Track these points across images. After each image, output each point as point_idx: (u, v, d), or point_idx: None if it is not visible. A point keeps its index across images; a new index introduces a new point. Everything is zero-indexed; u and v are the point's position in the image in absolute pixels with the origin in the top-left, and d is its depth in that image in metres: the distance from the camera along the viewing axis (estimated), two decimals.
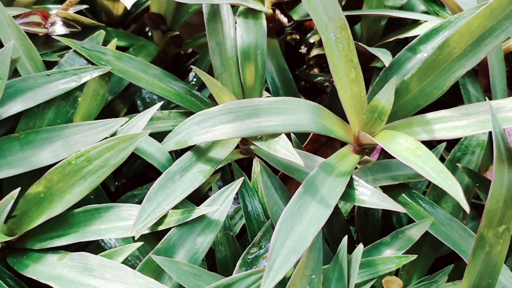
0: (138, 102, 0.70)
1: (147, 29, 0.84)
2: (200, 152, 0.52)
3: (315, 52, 0.93)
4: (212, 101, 0.63)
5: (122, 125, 0.53)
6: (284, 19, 0.68)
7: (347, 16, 0.51)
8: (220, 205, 0.46)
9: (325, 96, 0.80)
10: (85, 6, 0.67)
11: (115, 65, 0.57)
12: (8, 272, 0.52)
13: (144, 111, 0.52)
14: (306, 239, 0.40)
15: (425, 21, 0.67)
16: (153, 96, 0.71)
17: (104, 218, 0.49)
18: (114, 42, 0.60)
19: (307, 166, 0.52)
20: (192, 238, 0.45)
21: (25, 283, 0.51)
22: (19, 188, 0.42)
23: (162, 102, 0.53)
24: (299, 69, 0.90)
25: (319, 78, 0.85)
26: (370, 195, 0.47)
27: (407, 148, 0.46)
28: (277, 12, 0.70)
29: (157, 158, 0.53)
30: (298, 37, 0.92)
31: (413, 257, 0.47)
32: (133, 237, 0.47)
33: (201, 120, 0.51)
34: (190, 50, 0.86)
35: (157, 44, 0.76)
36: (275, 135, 0.48)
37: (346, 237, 0.44)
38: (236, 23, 0.61)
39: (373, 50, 0.59)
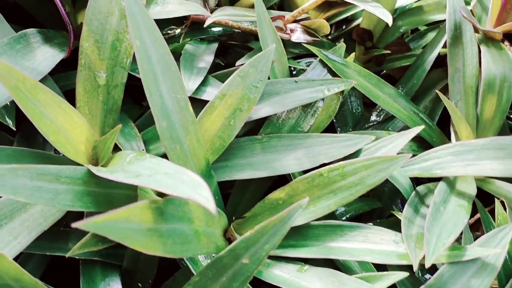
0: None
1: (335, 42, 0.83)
2: (450, 184, 0.49)
3: None
4: (438, 128, 0.60)
5: (368, 143, 0.51)
6: None
7: None
8: (495, 248, 0.43)
9: None
10: (306, 15, 0.67)
11: (357, 80, 0.56)
12: None
13: (399, 133, 0.50)
14: None
15: None
16: (353, 115, 0.69)
17: (349, 237, 0.47)
18: (353, 56, 0.59)
19: None
20: (465, 279, 0.42)
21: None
22: (307, 198, 0.41)
23: (423, 126, 0.51)
24: None
25: None
26: None
27: None
28: (506, 43, 0.66)
29: (401, 182, 0.50)
30: None
31: None
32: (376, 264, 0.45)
33: (461, 151, 0.48)
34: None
35: (357, 59, 0.75)
36: None
37: None
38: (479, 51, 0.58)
39: None
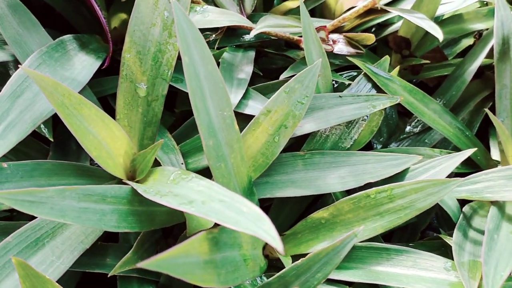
0: None
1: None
2: (501, 209, 0.48)
3: None
4: (482, 145, 0.58)
5: (415, 163, 0.49)
6: None
7: None
8: None
9: None
10: (346, 23, 0.65)
11: (402, 95, 0.54)
12: None
13: (449, 155, 0.48)
14: None
15: None
16: (388, 125, 0.68)
17: (396, 262, 0.46)
18: (397, 69, 0.57)
19: None
20: None
21: None
22: (362, 227, 0.40)
23: (475, 149, 0.49)
24: None
25: None
26: None
27: None
28: None
29: (449, 205, 0.49)
30: None
31: None
32: None
33: None
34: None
35: (393, 68, 0.73)
36: None
37: None
38: None
39: None
